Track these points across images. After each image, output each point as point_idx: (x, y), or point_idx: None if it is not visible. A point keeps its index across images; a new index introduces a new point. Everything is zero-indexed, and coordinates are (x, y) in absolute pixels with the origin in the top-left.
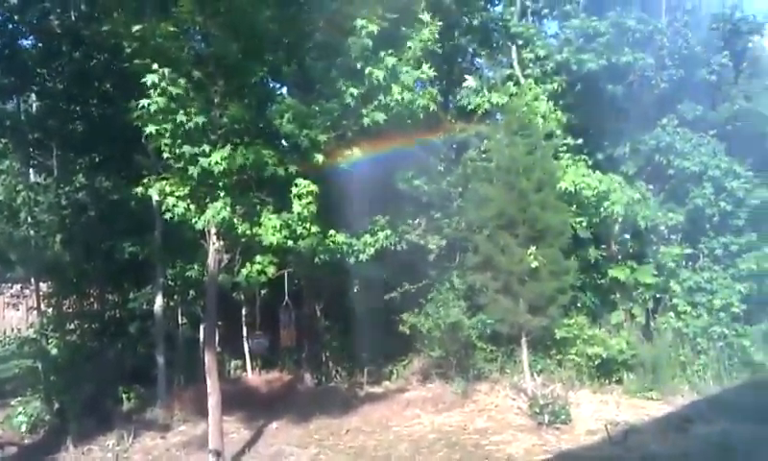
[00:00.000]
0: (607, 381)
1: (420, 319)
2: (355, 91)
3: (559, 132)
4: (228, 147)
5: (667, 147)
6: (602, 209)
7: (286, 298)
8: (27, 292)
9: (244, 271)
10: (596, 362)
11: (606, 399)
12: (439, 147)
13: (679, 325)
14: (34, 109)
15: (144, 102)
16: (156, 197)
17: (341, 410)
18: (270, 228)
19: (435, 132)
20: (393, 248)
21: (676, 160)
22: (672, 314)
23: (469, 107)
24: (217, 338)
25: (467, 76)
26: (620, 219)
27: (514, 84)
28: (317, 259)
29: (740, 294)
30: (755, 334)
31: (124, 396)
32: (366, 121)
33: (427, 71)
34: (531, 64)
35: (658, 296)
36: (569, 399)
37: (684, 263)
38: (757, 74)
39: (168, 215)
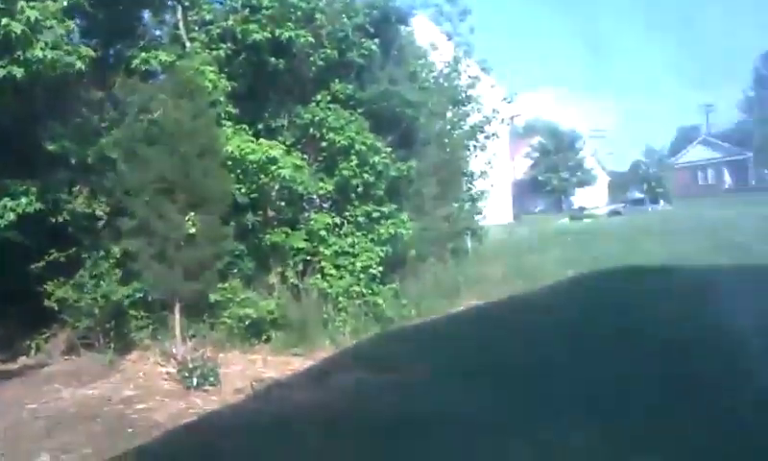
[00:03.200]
0: (257, 342)
1: (68, 289)
2: None
3: (223, 99)
4: None
5: (321, 121)
6: (265, 176)
7: None
8: None
9: None
10: (246, 323)
11: (255, 358)
12: (98, 106)
13: (324, 285)
14: None
15: None
16: None
17: None
18: None
19: (94, 90)
20: (45, 213)
21: (329, 134)
22: (319, 276)
23: (134, 63)
24: None
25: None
26: (278, 186)
27: (181, 48)
28: None
29: (378, 257)
30: (386, 293)
31: None
32: (0, 73)
33: (71, 26)
34: (197, 28)
35: (308, 258)
36: (219, 361)
37: (332, 229)
38: (402, 60)
39: None
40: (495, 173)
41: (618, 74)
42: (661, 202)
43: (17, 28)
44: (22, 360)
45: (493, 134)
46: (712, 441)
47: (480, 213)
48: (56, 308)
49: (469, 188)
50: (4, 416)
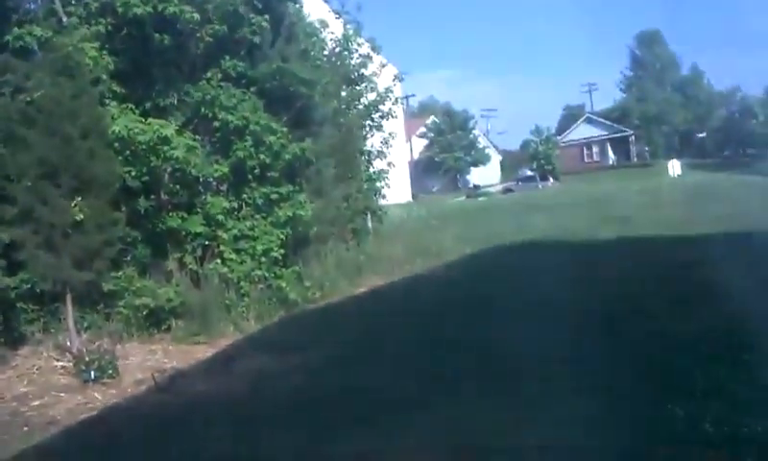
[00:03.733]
0: (156, 331)
1: None
2: None
3: (105, 77)
4: None
5: (212, 100)
6: (156, 158)
7: None
8: None
9: None
10: (145, 313)
11: (155, 348)
12: None
13: (224, 270)
14: None
15: None
16: None
17: None
18: None
19: None
20: None
21: (221, 114)
22: (219, 261)
23: (7, 38)
24: None
25: None
26: (170, 169)
27: (57, 23)
28: None
29: (279, 240)
30: (289, 276)
31: None
32: None
33: None
34: (73, 2)
35: (207, 243)
36: (117, 352)
37: (229, 213)
38: (294, 38)
39: None
40: (393, 153)
41: (507, 56)
42: (551, 179)
43: None
44: None
45: (388, 114)
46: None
47: (379, 193)
48: None
49: (368, 168)
50: None
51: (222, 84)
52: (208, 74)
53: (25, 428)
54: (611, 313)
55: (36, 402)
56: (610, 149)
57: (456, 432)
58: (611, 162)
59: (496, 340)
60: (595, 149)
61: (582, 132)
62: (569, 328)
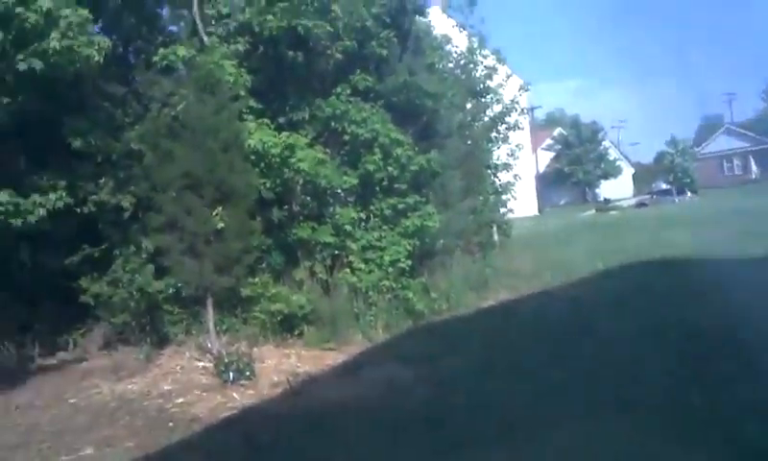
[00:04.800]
0: (289, 336)
1: (102, 284)
2: (1, 34)
3: (243, 93)
4: None
5: (342, 114)
6: (287, 169)
7: None
8: None
9: None
10: (279, 318)
11: (288, 352)
12: (121, 101)
13: (353, 280)
14: None
15: None
16: None
17: (8, 386)
18: None
19: (116, 85)
20: (75, 209)
21: (351, 127)
22: (348, 270)
23: (155, 59)
24: None
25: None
26: (302, 180)
27: (199, 42)
28: None
29: (406, 250)
30: (416, 286)
31: None
32: (22, 67)
33: (86, 14)
34: (214, 22)
35: (336, 253)
36: (254, 355)
37: (358, 223)
38: (420, 51)
39: None
40: (519, 165)
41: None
42: (688, 192)
43: (32, 18)
44: (60, 355)
45: (514, 125)
46: None
47: (505, 206)
48: (91, 303)
49: (494, 181)
50: (46, 410)
51: (351, 98)
52: (338, 89)
53: (170, 424)
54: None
55: (180, 400)
56: (752, 162)
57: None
58: (753, 176)
59: (643, 368)
60: (736, 162)
61: (721, 143)
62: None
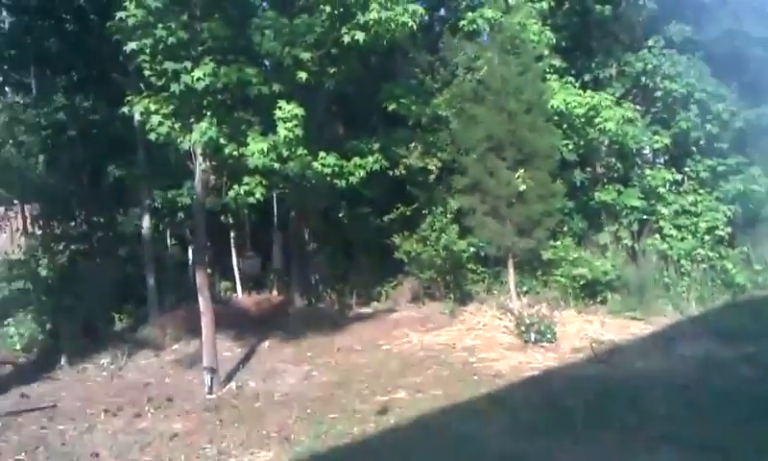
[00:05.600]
0: (591, 302)
1: (412, 242)
2: (329, 8)
3: (547, 52)
4: (211, 64)
5: (654, 69)
6: (591, 130)
7: (275, 220)
8: (11, 214)
9: (231, 192)
10: (581, 283)
11: (590, 318)
12: (430, 67)
13: (664, 247)
14: (6, 25)
15: (121, 14)
16: (137, 116)
17: (331, 330)
18: (256, 151)
19: (424, 52)
20: (386, 171)
21: (663, 83)
22: (657, 236)
23: (461, 23)
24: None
25: None
26: (607, 141)
27: (505, 3)
28: (305, 182)
29: (725, 217)
30: (736, 257)
31: (116, 316)
32: (346, 39)
33: None
34: None
35: (644, 217)
36: (555, 318)
37: (669, 186)
38: None
39: (153, 136)
40: None
41: None
42: None
43: None
44: (374, 305)
45: None
46: None
47: None
48: (403, 260)
49: None
50: (363, 354)
51: (664, 51)
52: (650, 42)
53: (474, 377)
54: None
55: (483, 355)
56: None
57: None
58: None
59: None
60: None
61: None
62: None
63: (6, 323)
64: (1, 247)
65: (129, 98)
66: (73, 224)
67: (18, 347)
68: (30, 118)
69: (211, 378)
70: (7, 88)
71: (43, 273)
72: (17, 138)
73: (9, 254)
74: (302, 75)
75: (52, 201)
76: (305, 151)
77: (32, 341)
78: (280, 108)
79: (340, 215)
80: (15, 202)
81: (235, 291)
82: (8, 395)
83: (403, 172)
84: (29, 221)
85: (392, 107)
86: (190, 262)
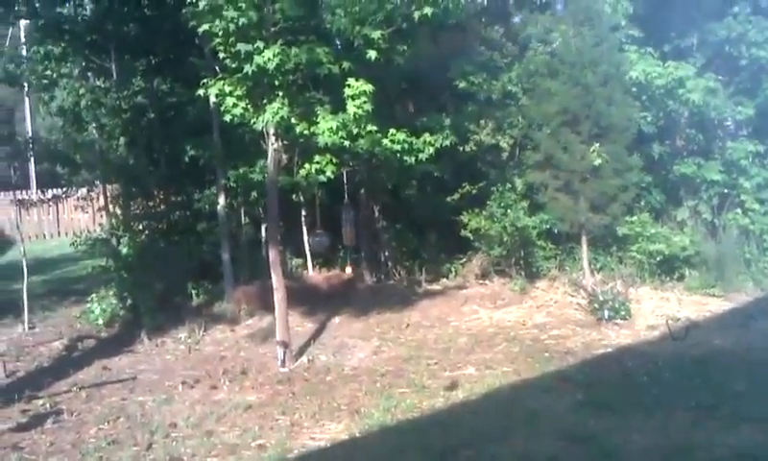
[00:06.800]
0: (668, 278)
1: (480, 219)
2: None
3: (624, 22)
4: (280, 44)
5: (739, 37)
6: (673, 102)
7: (345, 197)
8: (93, 195)
9: (303, 171)
10: (658, 259)
11: (667, 295)
12: (499, 42)
13: (745, 221)
14: (88, 12)
15: None
16: (213, 98)
17: (400, 306)
18: (326, 130)
19: (495, 26)
20: (457, 147)
21: (749, 51)
22: (739, 210)
23: None
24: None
25: None
26: (687, 113)
27: None
28: (375, 160)
29: None
30: None
31: (193, 292)
32: (416, 15)
33: None
34: None
35: (725, 191)
36: (629, 295)
37: (753, 158)
38: None
39: (227, 117)
40: None
41: None
42: None
43: None
44: (443, 282)
45: None
46: None
47: None
48: (470, 237)
49: None
50: (432, 330)
51: (751, 18)
52: (735, 9)
53: (545, 354)
54: None
55: (554, 332)
56: None
57: None
58: None
59: None
60: None
61: None
62: None
63: (89, 299)
64: (84, 226)
65: (204, 81)
66: (151, 203)
67: (100, 322)
68: (110, 102)
69: (284, 352)
70: (89, 73)
71: (124, 251)
72: (100, 121)
73: (91, 232)
74: (372, 53)
75: (131, 181)
76: (375, 128)
77: (113, 316)
78: (349, 85)
79: (409, 193)
80: (97, 182)
81: (306, 268)
82: (91, 368)
83: (473, 148)
84: (110, 201)
85: (462, 84)
86: (263, 240)
